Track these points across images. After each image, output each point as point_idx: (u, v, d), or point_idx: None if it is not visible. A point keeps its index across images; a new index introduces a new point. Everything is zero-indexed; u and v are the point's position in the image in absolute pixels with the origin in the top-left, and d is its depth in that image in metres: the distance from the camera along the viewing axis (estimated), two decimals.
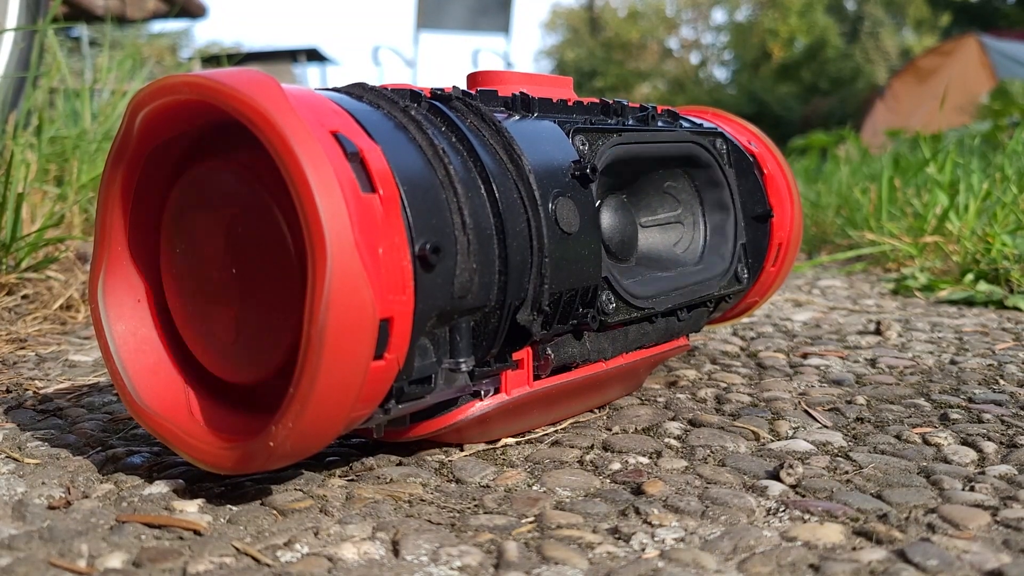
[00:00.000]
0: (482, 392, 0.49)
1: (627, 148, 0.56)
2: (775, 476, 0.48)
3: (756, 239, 0.68)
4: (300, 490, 0.46)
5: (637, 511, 0.43)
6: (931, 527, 0.42)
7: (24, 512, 0.42)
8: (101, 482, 0.47)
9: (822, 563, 0.38)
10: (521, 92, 0.53)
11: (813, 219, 1.98)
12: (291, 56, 5.29)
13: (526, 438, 0.55)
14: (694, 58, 17.40)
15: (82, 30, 2.21)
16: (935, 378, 0.71)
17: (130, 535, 0.40)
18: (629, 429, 0.57)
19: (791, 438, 0.56)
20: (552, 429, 0.57)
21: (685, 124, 0.65)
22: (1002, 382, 0.70)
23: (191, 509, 0.43)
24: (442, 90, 0.49)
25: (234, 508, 0.44)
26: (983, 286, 1.13)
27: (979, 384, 0.69)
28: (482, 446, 0.53)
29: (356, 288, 0.37)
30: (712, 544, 0.40)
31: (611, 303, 0.53)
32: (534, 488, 0.47)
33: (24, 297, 0.93)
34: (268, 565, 0.38)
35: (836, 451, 0.53)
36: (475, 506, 0.45)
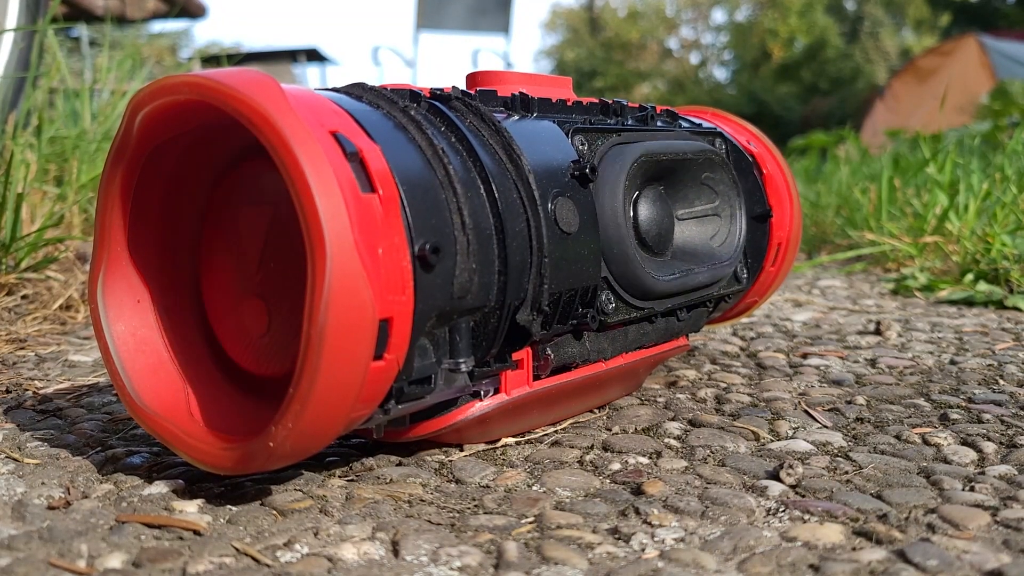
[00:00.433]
0: (482, 392, 0.49)
1: (650, 145, 0.56)
2: (775, 476, 0.48)
3: (755, 239, 0.68)
4: (300, 490, 0.46)
5: (637, 511, 0.43)
6: (931, 527, 0.42)
7: (24, 512, 0.42)
8: (101, 482, 0.47)
9: (822, 563, 0.38)
10: (520, 92, 0.53)
11: (813, 219, 1.98)
12: (291, 56, 5.29)
13: (526, 438, 0.55)
14: (694, 58, 17.40)
15: (82, 30, 2.21)
16: (935, 378, 0.71)
17: (130, 535, 0.40)
18: (629, 429, 0.57)
19: (791, 438, 0.56)
20: (552, 429, 0.57)
21: (684, 124, 0.65)
22: (1002, 382, 0.70)
23: (191, 509, 0.43)
24: (441, 90, 0.49)
25: (234, 508, 0.44)
26: (983, 286, 1.13)
27: (979, 384, 0.69)
28: (482, 446, 0.53)
29: (356, 288, 0.37)
30: (712, 544, 0.40)
31: (611, 303, 0.53)
32: (534, 488, 0.47)
33: (24, 297, 0.93)
34: (268, 565, 0.38)
35: (836, 451, 0.53)
36: (475, 506, 0.45)
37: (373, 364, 0.39)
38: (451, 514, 0.44)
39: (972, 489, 0.46)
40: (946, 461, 0.51)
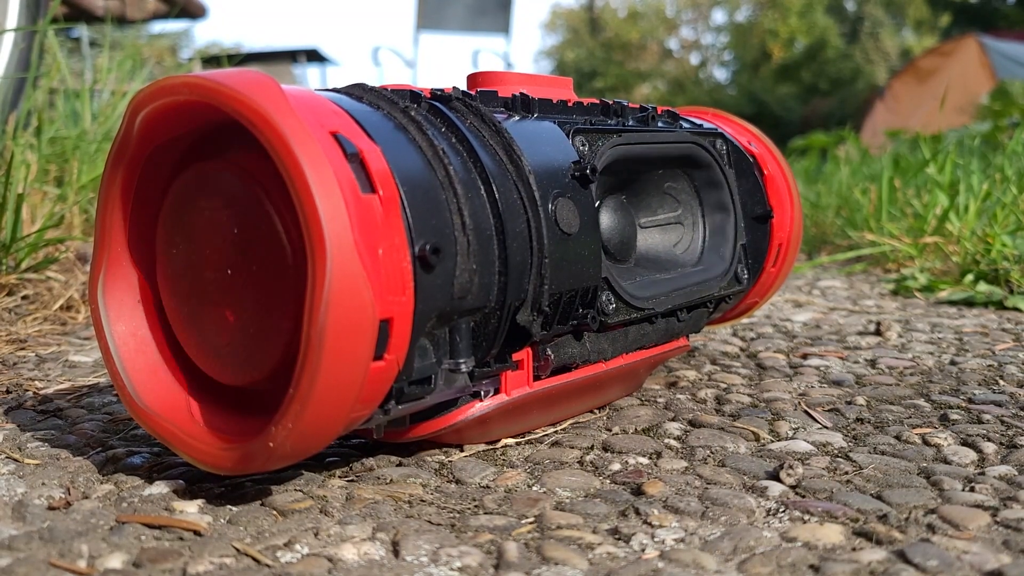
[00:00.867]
0: (482, 393, 0.49)
1: (627, 149, 0.56)
2: (775, 477, 0.48)
3: (756, 240, 0.68)
4: (300, 491, 0.46)
5: (637, 511, 0.43)
6: (931, 528, 0.42)
7: (24, 512, 0.42)
8: (101, 483, 0.47)
9: (822, 564, 0.38)
10: (521, 93, 0.53)
11: (813, 220, 1.98)
12: (291, 57, 5.29)
13: (526, 439, 0.55)
14: (694, 59, 17.40)
15: (82, 31, 2.21)
16: (935, 379, 0.71)
17: (130, 535, 0.40)
18: (629, 430, 0.57)
19: (791, 439, 0.56)
20: (552, 430, 0.57)
21: (685, 125, 0.65)
22: (1002, 383, 0.70)
23: (191, 510, 0.43)
24: (442, 91, 0.49)
25: (234, 509, 0.44)
26: (983, 287, 1.13)
27: (979, 385, 0.69)
28: (482, 447, 0.53)
29: (356, 289, 0.37)
30: (712, 545, 0.40)
31: (611, 304, 0.53)
32: (534, 489, 0.47)
33: (24, 298, 0.93)
34: (268, 566, 0.38)
35: (836, 452, 0.53)
36: (475, 507, 0.45)
37: (373, 364, 0.39)
38: (451, 514, 0.44)
39: (972, 489, 0.46)
40: (946, 461, 0.51)
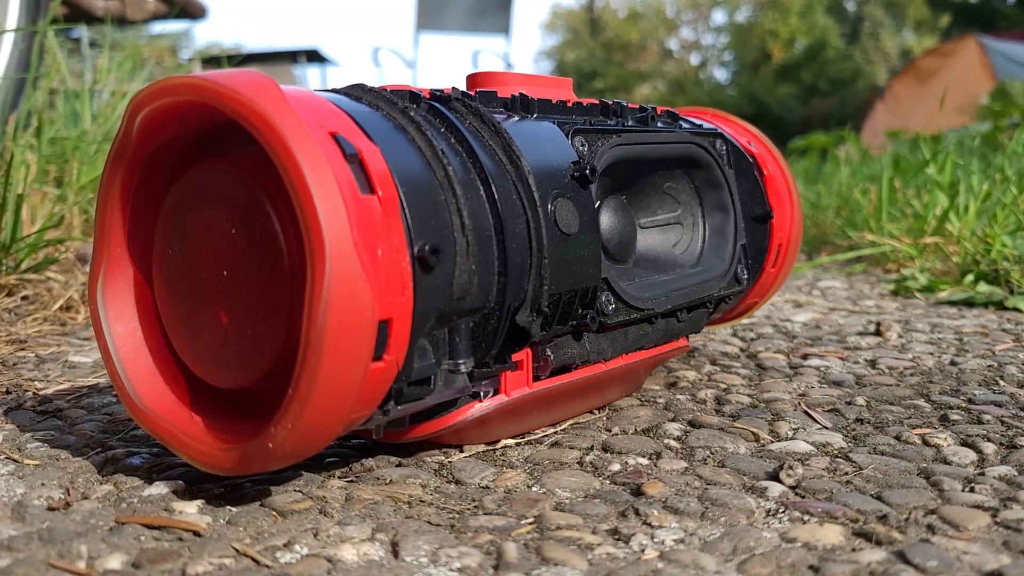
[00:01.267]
0: (481, 393, 0.49)
1: (627, 149, 0.56)
2: (775, 477, 0.48)
3: (756, 240, 0.68)
4: (299, 491, 0.46)
5: (637, 512, 0.43)
6: (931, 528, 0.42)
7: (24, 513, 0.42)
8: (101, 483, 0.47)
9: (822, 564, 0.38)
10: (520, 93, 0.53)
11: (813, 220, 1.98)
12: (291, 57, 5.29)
13: (526, 439, 0.55)
14: (694, 59, 17.41)
15: (82, 31, 2.21)
16: (935, 379, 0.71)
17: (129, 536, 0.40)
18: (629, 430, 0.57)
19: (791, 439, 0.56)
20: (552, 430, 0.57)
21: (685, 125, 0.65)
22: (1002, 383, 0.70)
23: (190, 510, 0.43)
24: (441, 91, 0.49)
25: (233, 509, 0.44)
26: (983, 287, 1.13)
27: (979, 385, 0.69)
28: (482, 447, 0.53)
29: (355, 289, 0.37)
30: (712, 545, 0.40)
31: (610, 304, 0.53)
32: (534, 489, 0.47)
33: (24, 298, 0.93)
34: (267, 566, 0.38)
35: (836, 452, 0.53)
36: (475, 507, 0.45)
37: (372, 365, 0.39)
38: (451, 515, 0.44)
39: (972, 490, 0.46)
40: (946, 462, 0.51)
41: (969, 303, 1.12)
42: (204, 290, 0.44)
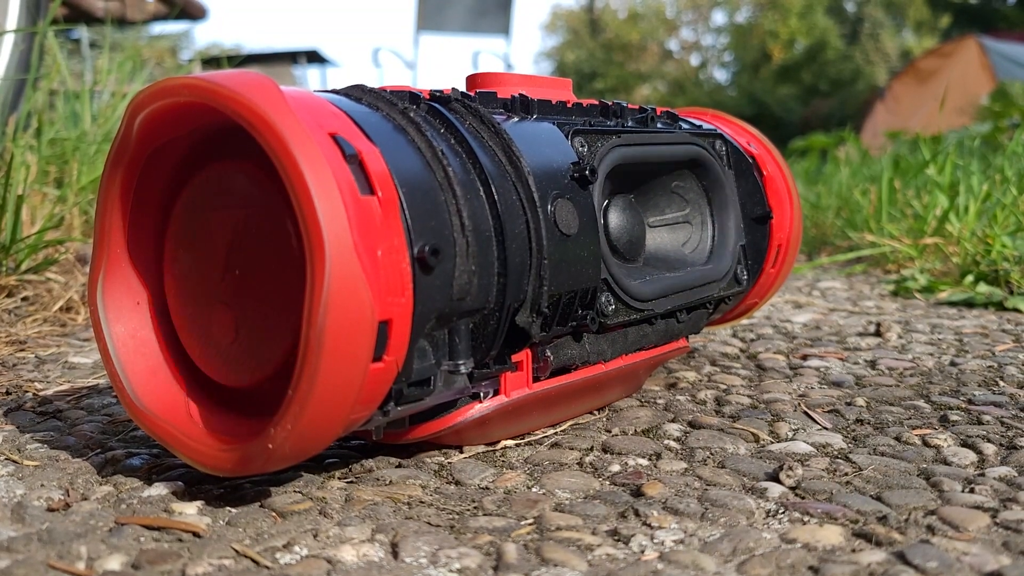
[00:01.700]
0: (481, 394, 0.49)
1: (628, 151, 0.56)
2: (775, 478, 0.48)
3: (755, 241, 0.68)
4: (299, 492, 0.46)
5: (636, 513, 0.43)
6: (931, 529, 0.42)
7: (23, 514, 0.42)
8: (100, 484, 0.47)
9: (821, 565, 0.38)
10: (520, 94, 0.53)
11: (813, 221, 1.98)
12: (291, 58, 5.30)
13: (525, 440, 0.55)
14: (694, 60, 17.41)
15: (82, 32, 2.21)
16: (935, 380, 0.71)
17: (129, 537, 0.40)
18: (629, 431, 0.57)
19: (791, 440, 0.56)
20: (552, 431, 0.57)
21: (684, 126, 0.65)
22: (1002, 384, 0.70)
23: (190, 511, 0.43)
24: (441, 92, 0.49)
25: (233, 510, 0.44)
26: (983, 287, 1.13)
27: (979, 386, 0.69)
28: (481, 448, 0.53)
29: (355, 290, 0.37)
30: (711, 546, 0.40)
31: (610, 305, 0.53)
32: (533, 490, 0.47)
33: (24, 299, 0.93)
34: (267, 567, 0.38)
35: (836, 453, 0.53)
36: (474, 508, 0.45)
37: (372, 366, 0.39)
38: (450, 516, 0.44)
39: (972, 491, 0.46)
40: (946, 463, 0.51)
41: (969, 304, 1.11)
42: (216, 289, 0.44)
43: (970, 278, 1.19)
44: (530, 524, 0.42)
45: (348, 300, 0.37)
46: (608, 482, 0.48)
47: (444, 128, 0.47)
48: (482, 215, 0.44)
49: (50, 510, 0.43)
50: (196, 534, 0.41)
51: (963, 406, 0.63)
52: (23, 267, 0.93)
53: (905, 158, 2.24)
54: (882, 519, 0.43)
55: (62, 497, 0.45)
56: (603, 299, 0.53)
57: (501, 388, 0.50)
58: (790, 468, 0.48)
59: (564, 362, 0.53)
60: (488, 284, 0.45)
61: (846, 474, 0.49)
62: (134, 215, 0.47)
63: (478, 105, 0.49)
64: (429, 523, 0.42)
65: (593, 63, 15.83)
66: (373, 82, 0.51)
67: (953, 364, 0.77)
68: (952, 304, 1.13)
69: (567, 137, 0.52)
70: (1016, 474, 0.49)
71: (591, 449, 0.54)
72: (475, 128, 0.48)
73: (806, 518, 0.43)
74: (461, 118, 0.48)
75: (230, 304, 0.44)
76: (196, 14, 2.14)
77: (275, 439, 0.39)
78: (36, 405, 0.62)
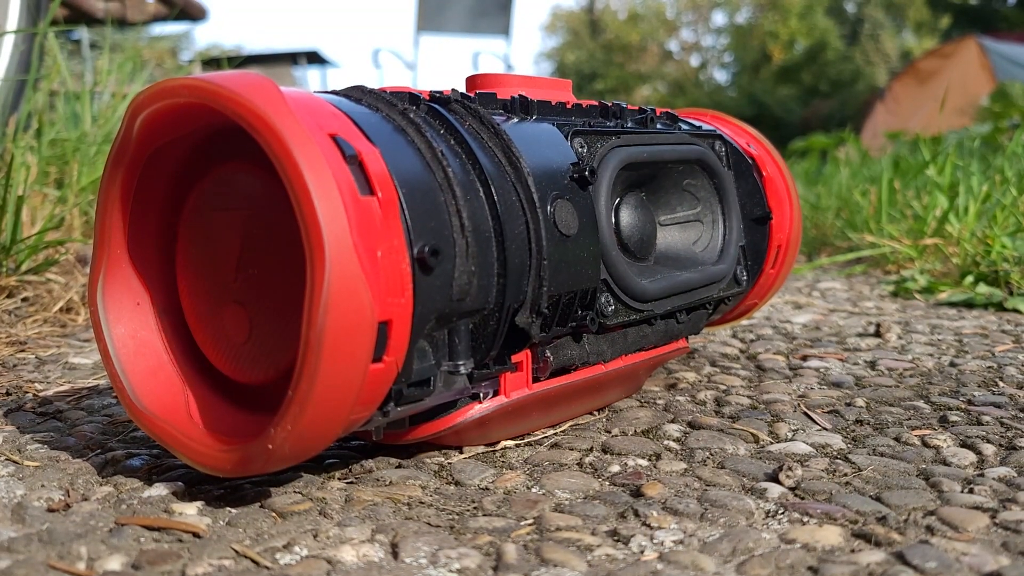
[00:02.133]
0: (481, 394, 0.49)
1: (634, 151, 0.56)
2: (774, 478, 0.48)
3: (755, 241, 0.68)
4: (299, 492, 0.46)
5: (636, 513, 0.43)
6: (930, 529, 0.42)
7: (23, 514, 0.42)
8: (100, 484, 0.47)
9: (821, 565, 0.38)
10: (520, 95, 0.53)
11: (813, 221, 1.98)
12: (291, 59, 5.30)
13: (525, 440, 0.55)
14: (694, 60, 17.41)
15: (82, 33, 2.21)
16: (935, 380, 0.71)
17: (129, 537, 0.40)
18: (628, 431, 0.57)
19: (790, 440, 0.56)
20: (551, 431, 0.57)
21: (684, 126, 0.65)
22: (1001, 384, 0.70)
23: (190, 511, 0.43)
24: (441, 93, 0.49)
25: (233, 510, 0.44)
26: (983, 288, 1.13)
27: (978, 386, 0.69)
28: (481, 448, 0.53)
29: (355, 291, 0.37)
30: (711, 546, 0.40)
31: (610, 305, 0.53)
32: (533, 490, 0.47)
33: (24, 300, 0.93)
34: (267, 567, 0.38)
35: (835, 453, 0.53)
36: (474, 508, 0.45)
37: (372, 366, 0.39)
38: (450, 516, 0.44)
39: (971, 491, 0.46)
40: (945, 463, 0.51)
41: (969, 304, 1.12)
42: (229, 287, 0.45)
43: (970, 279, 1.19)
44: (530, 524, 0.42)
45: (348, 300, 0.37)
46: (608, 482, 0.48)
47: (444, 129, 0.47)
48: (482, 216, 0.44)
49: (50, 510, 0.43)
50: (196, 534, 0.41)
51: (963, 407, 0.63)
52: (23, 268, 0.93)
53: (905, 159, 2.24)
54: (881, 519, 0.43)
55: (62, 497, 0.45)
56: (603, 300, 0.53)
57: (501, 388, 0.50)
58: (790, 469, 0.48)
59: (564, 362, 0.53)
60: (488, 285, 0.45)
61: (845, 475, 0.49)
62: (134, 216, 0.47)
63: (478, 106, 0.49)
64: (429, 523, 0.42)
65: (593, 64, 15.83)
66: (373, 83, 0.51)
67: (953, 365, 0.77)
68: (952, 305, 1.13)
69: (567, 138, 0.52)
70: (1015, 474, 0.49)
71: (591, 450, 0.54)
72: (475, 129, 0.48)
73: (805, 518, 0.43)
74: (461, 119, 0.48)
75: (244, 303, 0.45)
76: (196, 15, 2.14)
77: (275, 439, 0.39)
78: (36, 406, 0.62)
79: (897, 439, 0.56)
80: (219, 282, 0.46)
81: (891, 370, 0.75)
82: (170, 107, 0.42)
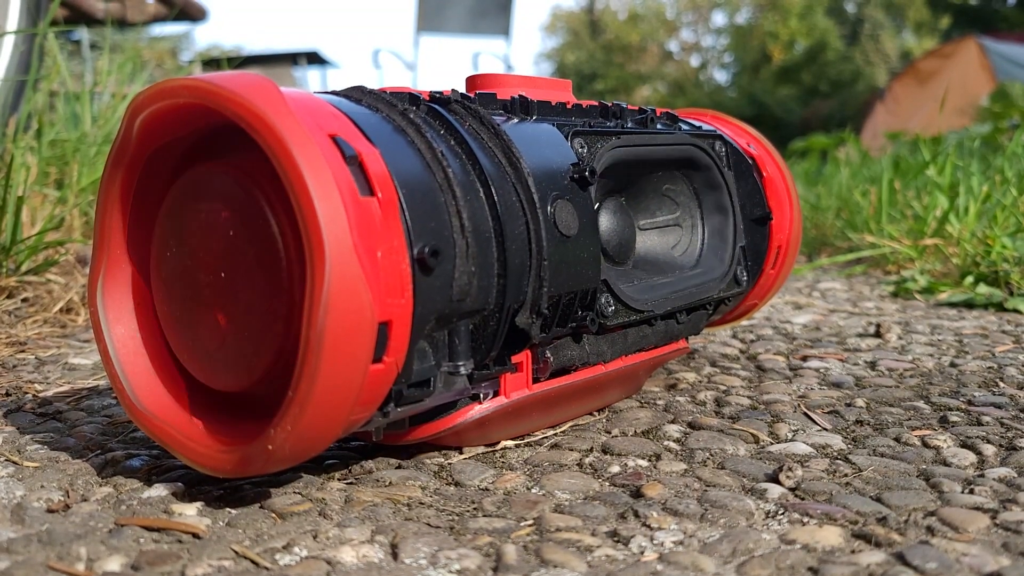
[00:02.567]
0: (481, 395, 0.49)
1: (626, 151, 0.56)
2: (774, 479, 0.48)
3: (755, 242, 0.68)
4: (299, 493, 0.46)
5: (636, 514, 0.43)
6: (930, 530, 0.42)
7: (23, 515, 0.42)
8: (100, 485, 0.47)
9: (821, 566, 0.38)
10: (520, 95, 0.53)
11: (813, 222, 1.98)
12: (291, 59, 5.30)
13: (525, 441, 0.55)
14: (694, 61, 17.41)
15: (82, 33, 2.21)
16: (935, 380, 0.71)
17: (129, 538, 0.40)
18: (628, 432, 0.57)
19: (790, 441, 0.56)
20: (551, 432, 0.57)
21: (684, 127, 0.65)
22: (1002, 384, 0.70)
23: (190, 512, 0.43)
24: (441, 93, 0.49)
25: (233, 511, 0.44)
26: (983, 288, 1.13)
27: (979, 387, 0.69)
28: (481, 449, 0.53)
29: (355, 291, 0.37)
30: (711, 547, 0.40)
31: (610, 306, 0.53)
32: (533, 491, 0.47)
33: (24, 300, 0.93)
34: (267, 568, 0.38)
35: (835, 454, 0.53)
36: (474, 509, 0.45)
37: (372, 367, 0.39)
38: (450, 517, 0.44)
39: (971, 492, 0.46)
40: (945, 463, 0.51)
41: (969, 305, 1.12)
42: (202, 292, 0.44)
43: (970, 279, 1.19)
44: (530, 525, 0.42)
45: (348, 301, 0.37)
46: (608, 483, 0.48)
47: (444, 129, 0.47)
48: (482, 216, 0.44)
49: (50, 511, 0.43)
50: (196, 535, 0.41)
51: (963, 407, 0.63)
52: (23, 268, 0.93)
53: (905, 159, 2.24)
54: (882, 520, 0.43)
55: (62, 498, 0.45)
56: (603, 300, 0.53)
57: (501, 389, 0.50)
58: (790, 469, 0.48)
59: (564, 363, 0.53)
60: (488, 285, 0.45)
61: (846, 475, 0.49)
62: (134, 216, 0.47)
63: (478, 106, 0.49)
64: (429, 524, 0.42)
65: (593, 64, 15.83)
66: (373, 83, 0.51)
67: (953, 365, 0.77)
68: (952, 305, 1.13)
69: (567, 138, 0.52)
70: (1016, 475, 0.49)
71: (591, 450, 0.54)
72: (475, 129, 0.48)
73: (806, 519, 0.43)
74: (461, 119, 0.48)
75: (217, 307, 0.43)
76: (196, 15, 2.14)
77: (275, 440, 0.39)
78: (36, 406, 0.62)
79: (897, 439, 0.56)
80: (191, 287, 0.44)
81: (891, 370, 0.75)
82: (170, 107, 0.42)
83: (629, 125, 0.59)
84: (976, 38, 5.79)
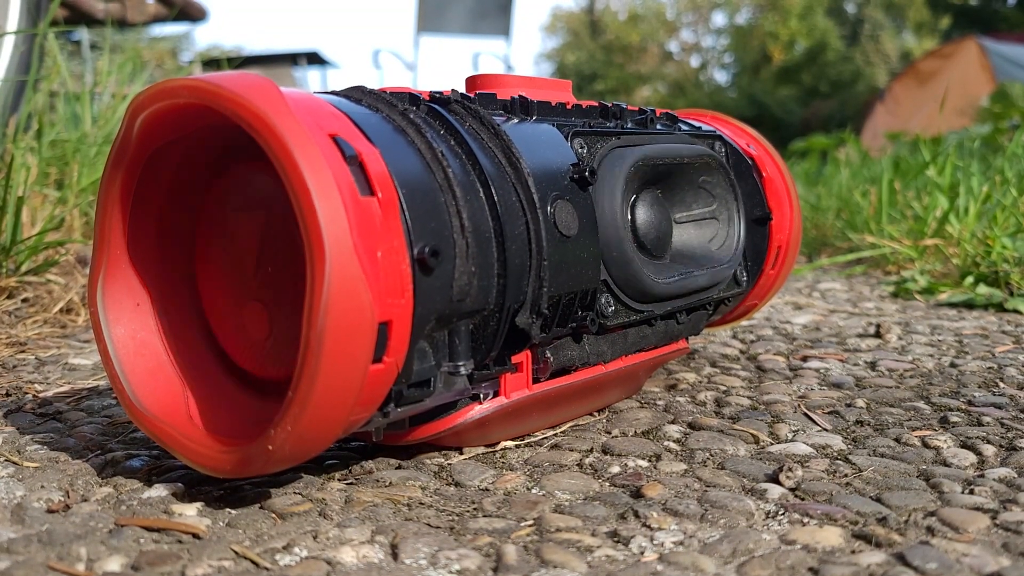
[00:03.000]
0: (481, 395, 0.49)
1: (649, 149, 0.56)
2: (774, 479, 0.48)
3: (755, 242, 0.68)
4: (299, 493, 0.46)
5: (636, 514, 0.43)
6: (930, 530, 0.42)
7: (23, 515, 0.42)
8: (100, 485, 0.47)
9: (821, 566, 0.38)
10: (520, 95, 0.53)
11: (813, 222, 1.98)
12: (292, 59, 5.30)
13: (525, 441, 0.55)
14: (694, 61, 17.41)
15: (83, 33, 2.21)
16: (935, 381, 0.71)
17: (129, 539, 0.40)
18: (628, 432, 0.57)
19: (790, 441, 0.56)
20: (551, 432, 0.57)
21: (684, 127, 0.65)
22: (1002, 385, 0.70)
23: (190, 512, 0.43)
24: (441, 93, 0.49)
25: (233, 511, 0.44)
26: (983, 289, 1.13)
27: (979, 387, 0.69)
28: (481, 449, 0.53)
29: (355, 292, 0.37)
30: (711, 547, 0.40)
31: (610, 306, 0.53)
32: (533, 491, 0.47)
33: (24, 300, 0.93)
34: (267, 568, 0.38)
35: (835, 454, 0.53)
36: (474, 509, 0.45)
37: (372, 367, 0.39)
38: (450, 517, 0.44)
39: (972, 492, 0.46)
40: (946, 464, 0.51)
41: (969, 305, 1.12)
42: (249, 285, 0.46)
43: (970, 279, 1.19)
44: (530, 525, 0.42)
45: (348, 301, 0.37)
46: (608, 483, 0.48)
47: (444, 129, 0.47)
48: (482, 216, 0.44)
49: (50, 511, 0.43)
50: (196, 535, 0.41)
51: (963, 407, 0.63)
52: (23, 269, 0.93)
53: (905, 159, 2.24)
54: (882, 520, 0.43)
55: (62, 498, 0.45)
56: (603, 300, 0.53)
57: (501, 389, 0.50)
58: (790, 469, 0.48)
59: (564, 363, 0.53)
60: (488, 285, 0.45)
61: (846, 475, 0.49)
62: (134, 216, 0.47)
63: (478, 107, 0.49)
64: (429, 524, 0.42)
65: (593, 65, 15.83)
66: (373, 83, 0.51)
67: (953, 365, 0.77)
68: (952, 305, 1.13)
69: (567, 138, 0.52)
70: (1016, 475, 0.49)
71: (591, 450, 0.54)
72: (475, 130, 0.48)
73: (806, 519, 0.43)
74: (461, 120, 0.48)
75: (263, 300, 0.46)
76: (196, 15, 2.14)
77: (275, 440, 0.39)
78: (36, 407, 0.62)
79: (897, 440, 0.56)
80: (239, 279, 0.47)
81: (891, 371, 0.75)
82: (170, 108, 0.42)
83: (629, 125, 0.59)
84: (976, 38, 5.79)
